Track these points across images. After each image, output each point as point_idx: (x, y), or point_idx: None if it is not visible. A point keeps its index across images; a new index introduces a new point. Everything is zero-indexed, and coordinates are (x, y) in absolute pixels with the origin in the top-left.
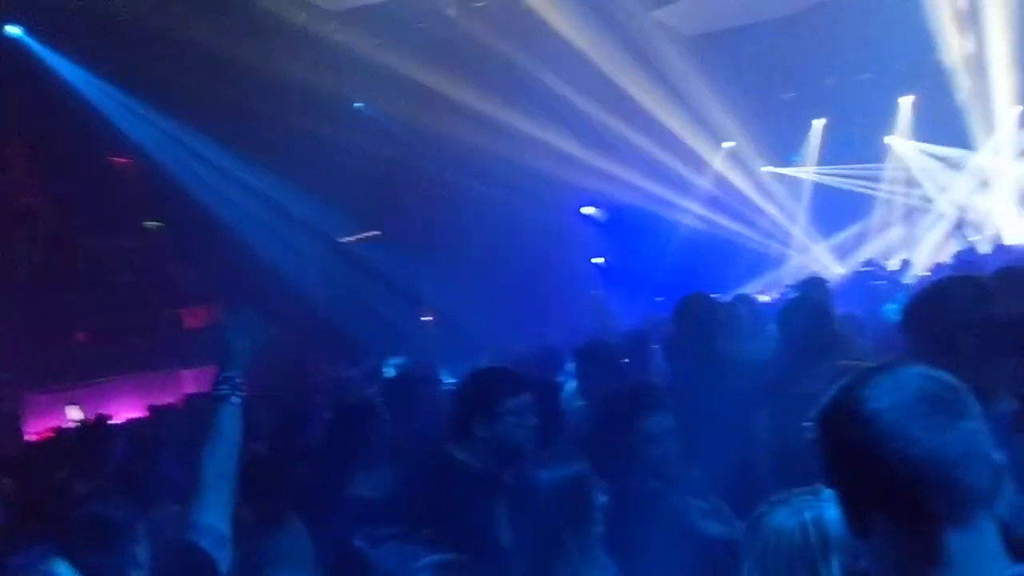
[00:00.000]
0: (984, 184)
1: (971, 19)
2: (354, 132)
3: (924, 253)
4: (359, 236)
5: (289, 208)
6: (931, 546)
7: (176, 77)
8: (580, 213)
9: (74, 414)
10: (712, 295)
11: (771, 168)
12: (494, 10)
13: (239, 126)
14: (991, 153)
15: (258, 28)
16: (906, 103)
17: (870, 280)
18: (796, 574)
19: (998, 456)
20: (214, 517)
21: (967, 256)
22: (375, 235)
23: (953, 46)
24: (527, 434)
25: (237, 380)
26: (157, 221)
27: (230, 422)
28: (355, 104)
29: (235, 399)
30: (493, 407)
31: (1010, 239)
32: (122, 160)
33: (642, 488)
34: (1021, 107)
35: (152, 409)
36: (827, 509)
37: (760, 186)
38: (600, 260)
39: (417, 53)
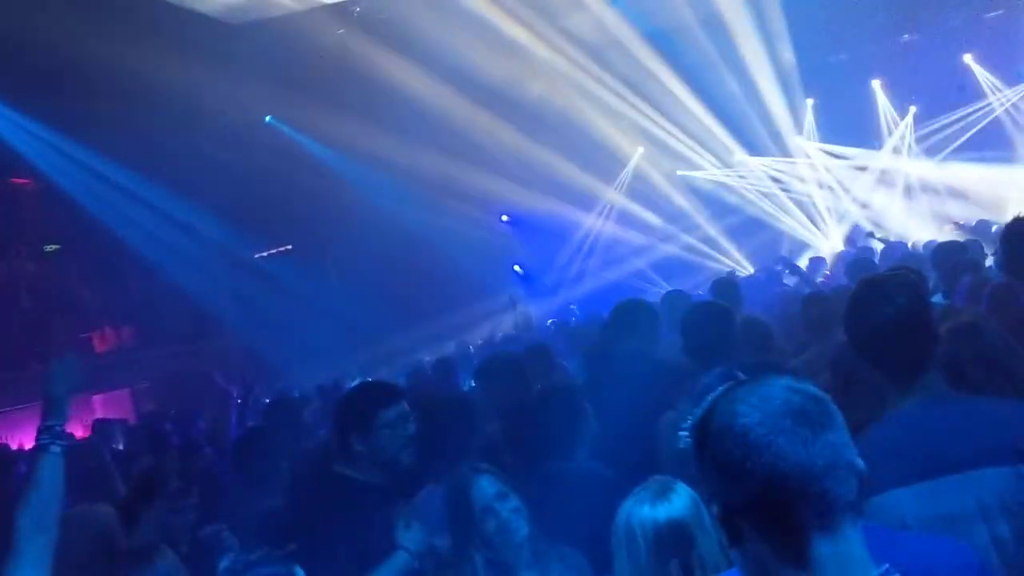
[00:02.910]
0: (882, 182)
1: None
2: (260, 148)
3: (828, 251)
4: (271, 251)
5: (196, 227)
6: (800, 553)
7: (76, 98)
8: (500, 221)
9: None
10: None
11: (685, 172)
12: (387, 24)
13: (140, 145)
14: (889, 152)
15: (159, 45)
16: (808, 105)
17: (782, 279)
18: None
19: (861, 464)
20: (31, 572)
21: (865, 255)
22: (287, 249)
23: None
24: (404, 444)
25: (58, 429)
26: (54, 244)
27: (50, 473)
28: (267, 118)
29: (55, 448)
30: (369, 421)
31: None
32: (22, 181)
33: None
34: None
35: None
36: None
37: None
38: (518, 268)
39: (316, 67)
